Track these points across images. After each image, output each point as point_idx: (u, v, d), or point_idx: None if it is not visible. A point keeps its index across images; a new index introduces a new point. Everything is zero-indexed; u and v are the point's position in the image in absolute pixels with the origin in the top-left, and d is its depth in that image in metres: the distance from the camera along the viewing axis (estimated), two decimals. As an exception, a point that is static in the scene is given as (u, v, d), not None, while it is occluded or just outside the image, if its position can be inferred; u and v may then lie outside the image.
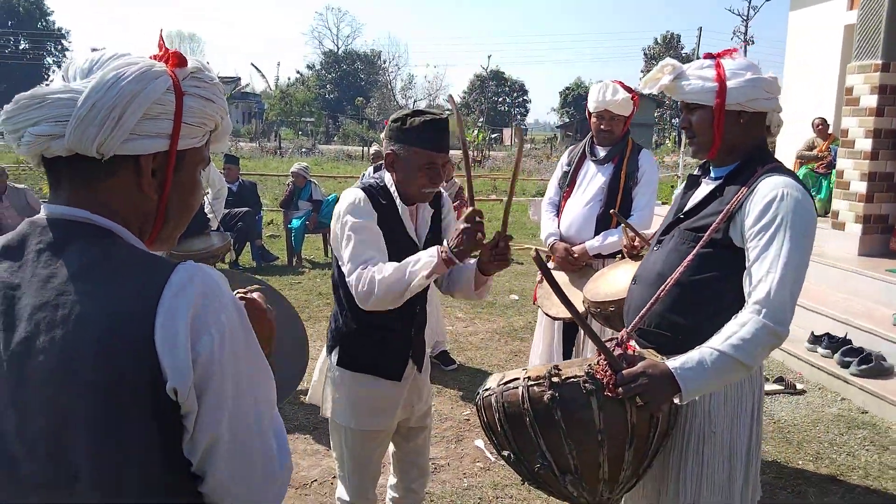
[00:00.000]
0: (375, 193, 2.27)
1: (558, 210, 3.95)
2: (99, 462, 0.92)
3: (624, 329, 1.94)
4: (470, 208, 2.09)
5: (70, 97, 0.94)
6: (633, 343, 2.08)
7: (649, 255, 2.13)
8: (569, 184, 3.89)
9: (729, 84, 1.87)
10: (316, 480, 3.67)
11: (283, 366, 1.33)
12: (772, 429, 4.35)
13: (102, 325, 0.90)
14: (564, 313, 3.50)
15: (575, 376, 1.71)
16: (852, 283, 6.00)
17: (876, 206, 6.49)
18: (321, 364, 2.50)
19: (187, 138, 1.03)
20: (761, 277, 1.75)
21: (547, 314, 3.84)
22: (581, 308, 3.35)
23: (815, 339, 5.22)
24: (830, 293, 6.07)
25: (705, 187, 2.04)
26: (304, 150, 32.22)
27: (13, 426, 0.93)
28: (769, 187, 1.82)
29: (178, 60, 1.01)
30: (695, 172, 2.15)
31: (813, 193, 9.09)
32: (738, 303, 1.83)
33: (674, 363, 1.69)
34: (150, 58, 1.02)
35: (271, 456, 1.03)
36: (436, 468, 3.86)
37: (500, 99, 65.11)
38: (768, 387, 4.90)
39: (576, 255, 3.74)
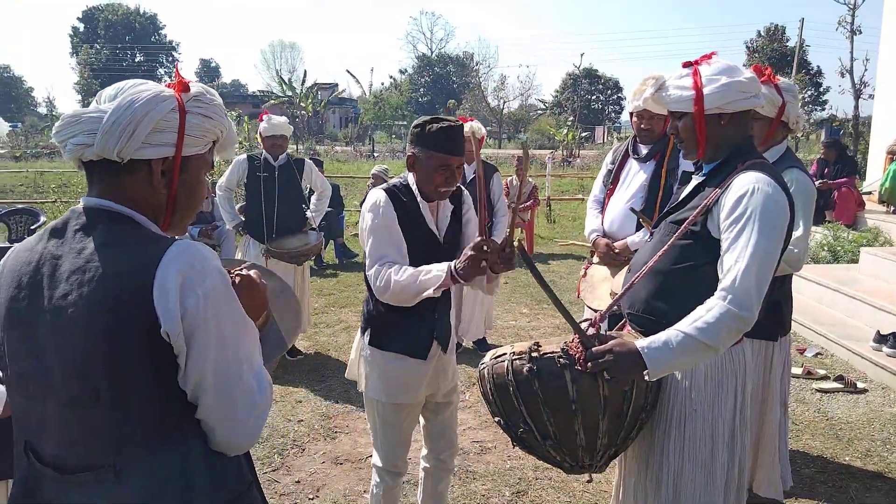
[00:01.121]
0: (398, 192, 2.55)
1: (603, 207, 4.10)
2: (112, 384, 1.24)
3: (599, 311, 2.13)
4: (479, 238, 2.33)
5: (98, 115, 1.28)
6: (629, 326, 2.27)
7: (644, 245, 2.31)
8: (612, 181, 4.04)
9: (705, 91, 2.01)
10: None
11: (277, 326, 1.65)
12: (823, 425, 4.32)
13: (116, 283, 1.22)
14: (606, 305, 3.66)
15: (552, 352, 1.93)
16: (932, 283, 5.78)
17: (961, 202, 6.19)
18: (357, 344, 2.81)
19: (190, 147, 1.35)
20: (730, 266, 1.89)
21: (590, 307, 4.00)
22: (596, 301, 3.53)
23: (881, 339, 5.10)
24: (907, 292, 5.88)
25: (694, 182, 2.19)
26: (393, 152, 32.97)
27: (55, 357, 1.26)
28: (742, 183, 1.96)
29: (184, 87, 1.34)
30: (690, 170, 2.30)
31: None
32: (714, 290, 1.97)
33: (642, 343, 1.87)
34: (166, 85, 1.34)
35: (249, 391, 1.34)
36: (482, 450, 4.11)
37: (594, 97, 64.01)
38: (826, 385, 4.84)
39: (617, 251, 3.89)
